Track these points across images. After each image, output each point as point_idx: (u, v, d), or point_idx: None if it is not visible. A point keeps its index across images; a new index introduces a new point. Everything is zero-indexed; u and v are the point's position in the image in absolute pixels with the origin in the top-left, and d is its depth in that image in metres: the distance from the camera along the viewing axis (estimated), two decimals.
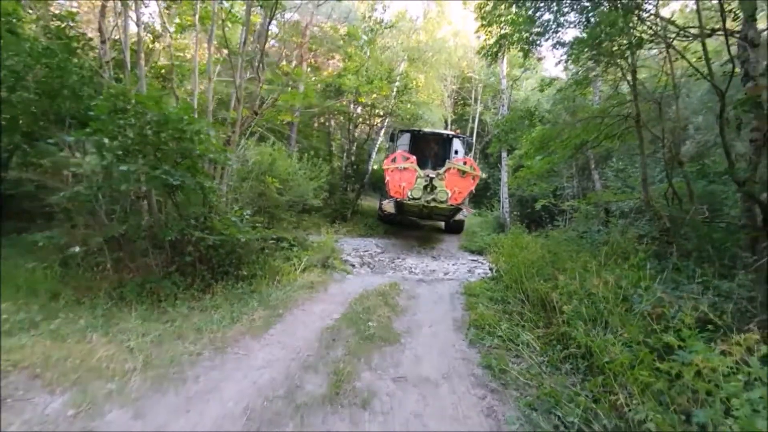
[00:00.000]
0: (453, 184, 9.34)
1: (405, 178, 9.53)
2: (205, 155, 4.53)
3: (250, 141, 7.61)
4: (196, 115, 5.85)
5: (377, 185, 16.17)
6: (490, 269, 8.38)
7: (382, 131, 16.49)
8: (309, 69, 15.77)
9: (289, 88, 7.35)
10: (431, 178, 9.41)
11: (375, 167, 16.57)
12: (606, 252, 4.84)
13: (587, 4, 4.89)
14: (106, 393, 2.59)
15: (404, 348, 3.75)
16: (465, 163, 9.63)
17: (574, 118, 6.55)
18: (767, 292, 2.61)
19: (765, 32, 4.86)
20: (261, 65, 5.77)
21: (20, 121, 5.61)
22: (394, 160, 9.75)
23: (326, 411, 2.55)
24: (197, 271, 4.93)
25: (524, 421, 2.52)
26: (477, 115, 22.44)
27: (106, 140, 3.97)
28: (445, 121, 18.70)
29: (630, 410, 2.07)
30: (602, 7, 4.85)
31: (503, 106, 14.35)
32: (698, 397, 1.85)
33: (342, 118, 15.68)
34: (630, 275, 3.45)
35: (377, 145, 17.20)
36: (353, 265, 8.40)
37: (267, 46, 10.62)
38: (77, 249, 4.53)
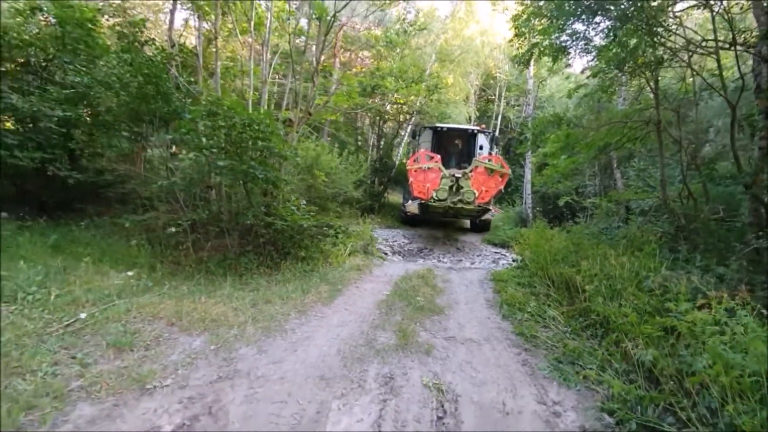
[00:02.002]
0: (480, 184, 9.00)
1: (429, 178, 9.19)
2: (280, 152, 5.33)
3: (299, 137, 8.42)
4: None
5: (398, 179, 16.71)
6: (514, 260, 9.05)
7: (409, 127, 17.15)
8: (340, 65, 16.50)
9: (338, 90, 8.06)
10: (457, 178, 9.09)
11: (402, 161, 17.26)
12: (624, 244, 5.48)
13: (615, 23, 5.43)
14: (231, 336, 3.43)
15: (448, 318, 4.51)
16: (492, 161, 9.35)
17: (599, 121, 7.10)
18: (747, 272, 3.23)
19: None
20: (316, 71, 6.51)
21: (116, 121, 6.54)
22: (417, 160, 9.44)
23: (400, 355, 3.33)
24: (266, 251, 5.77)
25: (552, 369, 3.24)
26: (500, 112, 22.84)
27: (203, 139, 4.79)
28: (469, 118, 19.18)
29: (636, 355, 2.78)
30: (629, 24, 5.40)
31: (529, 105, 14.78)
32: (688, 342, 2.54)
33: (370, 114, 16.40)
34: (643, 261, 4.11)
35: (403, 141, 17.89)
36: (386, 253, 9.18)
37: (300, 42, 11.38)
38: (173, 230, 5.39)
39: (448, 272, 7.47)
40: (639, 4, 5.25)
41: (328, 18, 6.30)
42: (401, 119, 15.41)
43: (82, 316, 3.39)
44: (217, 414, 2.40)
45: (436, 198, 8.95)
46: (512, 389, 2.95)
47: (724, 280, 3.39)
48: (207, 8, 6.81)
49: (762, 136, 5.09)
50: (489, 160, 9.39)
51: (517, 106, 23.46)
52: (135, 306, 3.78)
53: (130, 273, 4.49)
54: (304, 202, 6.55)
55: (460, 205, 8.99)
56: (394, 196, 17.65)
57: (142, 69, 5.40)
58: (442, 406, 2.67)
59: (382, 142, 16.84)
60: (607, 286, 3.97)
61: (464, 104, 18.45)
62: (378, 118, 15.00)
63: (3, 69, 7.08)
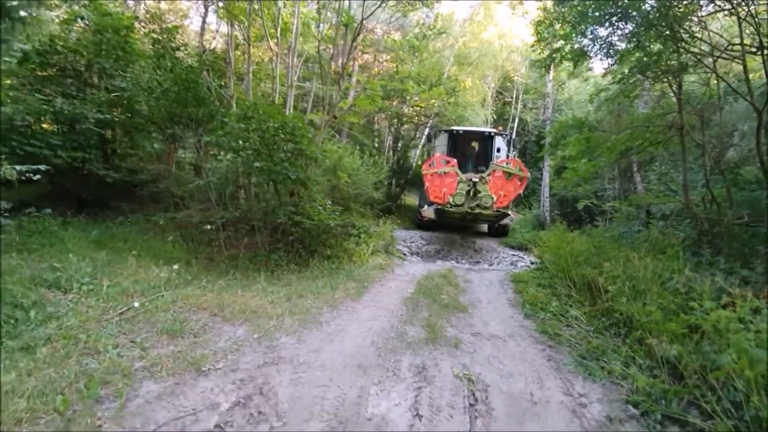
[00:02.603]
0: (498, 188, 8.75)
1: (446, 183, 8.92)
2: (310, 154, 5.57)
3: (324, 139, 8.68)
4: None
5: (414, 181, 16.81)
6: (532, 262, 9.12)
7: (426, 129, 17.30)
8: (359, 68, 16.77)
9: (361, 94, 8.29)
10: (474, 183, 8.83)
11: (418, 164, 17.44)
12: (646, 247, 5.54)
13: (638, 29, 5.51)
14: (271, 327, 3.65)
15: (473, 315, 4.66)
16: (510, 164, 9.11)
17: (620, 125, 7.16)
18: (765, 272, 3.31)
19: None
20: (342, 77, 6.74)
21: (150, 122, 6.90)
22: (432, 164, 9.23)
23: (430, 348, 3.51)
24: (295, 249, 6.01)
25: (577, 364, 3.38)
26: (517, 115, 22.81)
27: (240, 142, 5.06)
28: (486, 121, 19.25)
29: (660, 351, 2.89)
30: (652, 31, 5.48)
31: (548, 108, 14.78)
32: (712, 339, 2.66)
33: (388, 116, 16.61)
34: (666, 263, 4.20)
35: (420, 143, 18.07)
36: (404, 254, 9.35)
37: (324, 48, 11.62)
38: (209, 227, 5.68)
39: (468, 273, 7.60)
40: (663, 11, 5.34)
41: (355, 25, 6.51)
42: (419, 121, 15.57)
43: (136, 305, 3.66)
44: (268, 394, 2.61)
45: (452, 203, 8.75)
46: (539, 381, 3.09)
47: (749, 283, 3.46)
48: (242, 17, 7.10)
49: None
50: (507, 164, 9.22)
51: (534, 108, 23.40)
52: (180, 297, 4.04)
53: (175, 266, 4.76)
54: (329, 202, 6.77)
55: (477, 211, 8.77)
56: (411, 198, 17.84)
57: (181, 75, 5.70)
58: (473, 394, 2.84)
59: (399, 144, 17.02)
60: (630, 286, 4.07)
61: (481, 107, 18.49)
62: (396, 120, 15.18)
63: (46, 74, 7.51)
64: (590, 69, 8.27)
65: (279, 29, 8.29)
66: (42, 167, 4.23)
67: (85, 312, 3.43)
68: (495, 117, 21.47)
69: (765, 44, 5.42)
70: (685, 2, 5.57)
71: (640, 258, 4.48)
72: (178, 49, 8.58)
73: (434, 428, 2.41)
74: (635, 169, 11.35)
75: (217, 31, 8.67)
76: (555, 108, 15.39)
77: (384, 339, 3.63)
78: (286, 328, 3.66)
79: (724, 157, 7.76)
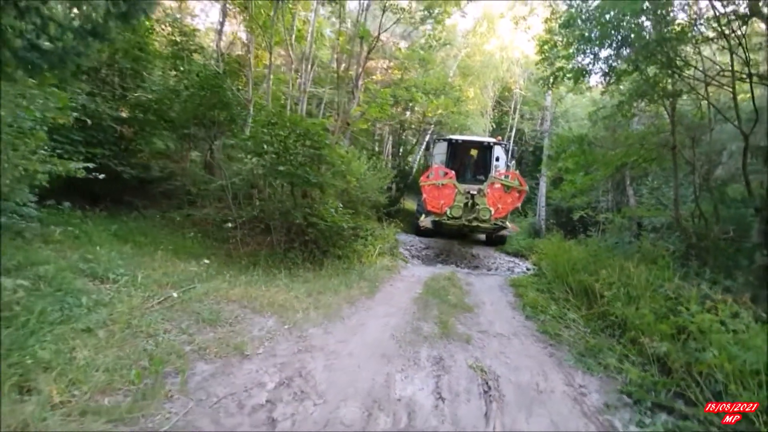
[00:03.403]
0: (496, 200, 8.79)
1: (444, 194, 8.90)
2: (330, 160, 5.91)
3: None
4: None
5: (413, 186, 17.13)
6: (528, 268, 9.52)
7: (428, 136, 17.71)
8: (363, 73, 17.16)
9: (373, 105, 8.66)
10: (472, 195, 8.87)
11: (418, 168, 17.84)
12: (638, 258, 5.95)
13: (636, 54, 5.95)
14: (298, 319, 3.97)
15: (478, 315, 5.02)
16: (509, 177, 9.11)
17: (617, 142, 7.61)
18: (753, 286, 3.71)
19: None
20: (356, 86, 7.10)
21: (170, 122, 7.18)
22: (430, 176, 9.16)
23: (444, 342, 3.85)
24: (309, 248, 6.33)
25: (576, 360, 3.74)
26: (515, 125, 23.37)
27: (264, 146, 5.38)
28: (486, 130, 19.74)
29: (651, 349, 3.27)
30: (650, 57, 5.92)
31: (546, 121, 15.26)
32: (696, 339, 3.04)
33: (389, 121, 17.01)
34: (657, 273, 4.60)
35: (421, 149, 18.49)
36: (406, 257, 9.70)
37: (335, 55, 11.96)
38: (229, 225, 5.97)
39: (468, 277, 7.97)
40: (660, 39, 5.78)
41: (371, 39, 6.87)
42: (421, 128, 15.98)
43: (174, 295, 3.96)
44: (306, 377, 2.93)
45: (450, 215, 8.81)
46: (543, 374, 3.45)
47: (731, 291, 3.86)
48: (266, 24, 7.41)
49: None
50: (506, 176, 9.29)
51: (532, 119, 23.99)
52: (210, 290, 4.34)
53: (206, 261, 5.05)
54: (340, 205, 7.10)
55: (475, 223, 8.88)
56: (409, 203, 18.22)
57: (209, 80, 6.01)
58: (486, 383, 3.19)
59: (400, 149, 17.40)
60: (624, 292, 4.46)
61: (482, 116, 18.98)
62: (399, 126, 15.58)
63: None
64: (589, 88, 8.67)
65: (293, 36, 8.63)
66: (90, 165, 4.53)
67: (127, 300, 3.71)
68: (494, 126, 21.97)
69: (752, 72, 5.91)
70: (678, 28, 6.05)
71: (634, 267, 4.88)
72: (195, 52, 8.86)
73: (455, 409, 2.75)
74: (628, 182, 11.84)
75: (234, 35, 8.95)
76: (553, 120, 15.87)
77: (402, 333, 3.97)
78: (312, 320, 3.99)
79: (713, 175, 8.25)
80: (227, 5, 8.77)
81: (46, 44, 2.21)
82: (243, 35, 8.62)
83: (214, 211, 6.85)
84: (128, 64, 7.67)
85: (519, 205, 9.37)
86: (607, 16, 6.24)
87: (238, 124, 6.66)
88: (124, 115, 7.81)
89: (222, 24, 8.84)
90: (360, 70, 7.33)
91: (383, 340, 3.78)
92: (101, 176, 4.80)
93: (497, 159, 12.08)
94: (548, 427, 2.68)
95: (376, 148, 19.34)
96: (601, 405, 2.98)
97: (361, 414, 2.56)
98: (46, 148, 4.44)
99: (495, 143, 12.34)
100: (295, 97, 8.80)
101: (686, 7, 6.09)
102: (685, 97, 7.05)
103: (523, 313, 5.36)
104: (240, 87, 8.09)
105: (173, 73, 7.57)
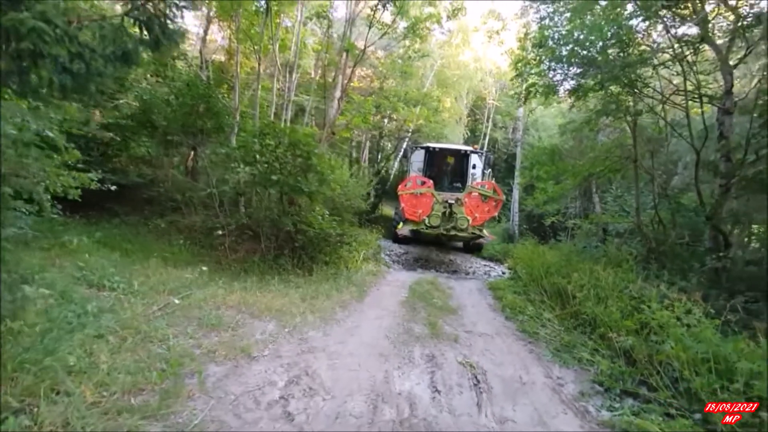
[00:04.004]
0: (474, 210, 8.97)
1: (421, 203, 9.02)
2: (321, 170, 6.13)
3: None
4: None
5: (391, 192, 17.44)
6: (503, 272, 10.00)
7: (405, 144, 18.13)
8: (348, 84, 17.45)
9: (356, 115, 8.93)
10: (450, 205, 9.04)
11: (396, 174, 18.23)
12: (604, 261, 6.48)
13: (603, 75, 6.53)
14: (297, 323, 4.18)
15: (462, 317, 5.36)
16: (486, 186, 9.22)
17: (584, 154, 8.22)
18: (704, 287, 4.23)
19: (738, 101, 6.54)
20: (341, 98, 7.36)
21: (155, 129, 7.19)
22: (408, 185, 9.25)
23: (434, 341, 4.15)
24: (298, 255, 6.51)
25: (553, 355, 4.13)
26: (488, 133, 24.21)
27: (258, 156, 5.55)
28: (463, 138, 20.39)
29: (618, 343, 3.70)
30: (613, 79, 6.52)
31: (518, 130, 15.98)
32: (657, 333, 3.48)
33: (367, 129, 17.34)
34: (622, 275, 5.09)
35: (398, 157, 18.90)
36: (388, 262, 9.99)
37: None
38: (220, 232, 6.08)
39: (448, 281, 8.33)
40: (622, 61, 6.37)
41: (357, 53, 7.17)
42: (399, 135, 16.38)
43: (176, 301, 4.07)
44: (312, 375, 3.15)
45: (428, 224, 8.96)
46: (525, 368, 3.81)
47: (686, 291, 4.36)
48: (251, 34, 7.56)
49: (722, 176, 6.21)
50: (483, 186, 9.46)
51: (504, 127, 24.93)
52: (208, 296, 4.47)
53: (204, 268, 5.15)
54: (327, 212, 7.31)
55: (453, 232, 9.06)
56: (387, 209, 18.57)
57: (199, 90, 6.13)
58: (476, 377, 3.50)
59: (379, 156, 17.73)
60: (594, 293, 4.92)
61: (457, 124, 19.61)
62: (378, 134, 15.93)
63: None
64: (559, 102, 9.27)
65: (277, 45, 8.80)
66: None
67: (128, 307, 3.81)
68: (469, 133, 22.69)
69: (703, 93, 6.60)
70: (638, 53, 6.68)
71: (602, 270, 5.36)
72: (177, 58, 8.88)
73: (451, 400, 3.05)
74: (594, 190, 12.64)
75: (217, 43, 9.04)
76: (525, 130, 16.65)
77: (395, 334, 4.25)
78: (310, 324, 4.20)
79: (670, 184, 9.02)
80: (211, 14, 8.84)
81: (76, 67, 2.38)
82: (225, 42, 8.71)
83: (201, 218, 6.90)
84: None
85: (496, 214, 9.65)
86: (577, 39, 6.83)
87: (225, 132, 6.76)
88: (103, 120, 7.74)
89: (206, 32, 8.90)
90: (345, 81, 7.58)
91: (378, 340, 4.04)
92: (113, 188, 4.91)
93: (474, 166, 12.37)
94: (532, 414, 3.02)
95: (354, 154, 19.67)
96: (576, 393, 3.36)
97: (367, 407, 2.81)
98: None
99: (472, 151, 12.61)
100: (278, 105, 8.96)
101: (645, 35, 6.69)
102: (646, 118, 7.74)
103: (502, 314, 5.74)
104: (224, 94, 8.18)
105: (155, 79, 7.57)
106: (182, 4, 2.59)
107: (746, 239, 7.27)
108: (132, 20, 2.42)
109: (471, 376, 3.50)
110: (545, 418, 2.94)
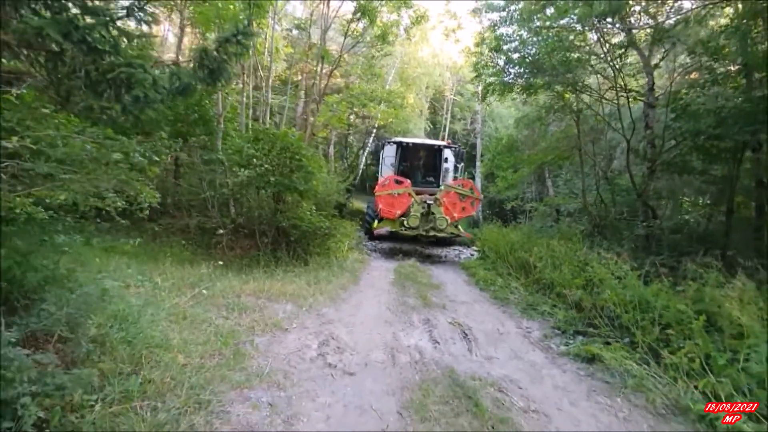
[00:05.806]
0: (452, 210, 8.89)
1: (398, 204, 8.84)
2: (312, 170, 6.77)
3: None
4: None
5: (358, 187, 17.94)
6: (472, 254, 11.07)
7: (371, 139, 18.86)
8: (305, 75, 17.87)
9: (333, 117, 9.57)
10: (428, 205, 8.95)
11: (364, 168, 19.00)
12: (558, 237, 7.64)
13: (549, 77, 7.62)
14: (310, 302, 4.89)
15: (445, 291, 6.27)
16: (462, 185, 9.15)
17: (537, 145, 9.38)
18: (633, 250, 5.40)
19: (659, 96, 7.83)
20: (319, 101, 8.00)
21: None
22: (385, 185, 8.98)
23: (426, 309, 5.02)
24: (293, 248, 7.14)
25: (521, 312, 5.12)
26: (447, 125, 25.43)
27: (255, 160, 6.12)
28: (426, 131, 21.40)
29: (570, 297, 4.73)
30: (558, 78, 7.63)
31: (478, 123, 17.15)
32: (598, 286, 4.54)
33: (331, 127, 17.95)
34: (572, 246, 6.20)
35: (365, 152, 19.64)
36: (368, 252, 10.77)
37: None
38: (221, 231, 6.59)
39: (425, 265, 9.21)
40: (565, 68, 7.49)
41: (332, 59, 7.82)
42: (365, 131, 17.11)
43: (204, 292, 4.66)
44: (337, 339, 3.91)
45: (408, 226, 8.88)
46: (500, 323, 4.77)
47: (620, 255, 5.49)
48: None
49: (648, 160, 7.46)
50: (460, 185, 9.34)
51: (462, 120, 26.26)
52: (227, 286, 5.07)
53: (220, 262, 5.70)
54: (314, 207, 7.96)
55: (432, 233, 9.03)
56: (357, 203, 19.31)
57: (196, 100, 6.56)
58: (464, 332, 4.40)
59: (346, 152, 18.37)
60: (551, 262, 5.98)
61: (419, 118, 20.58)
62: (347, 131, 16.56)
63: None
64: (514, 99, 10.35)
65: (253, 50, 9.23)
66: None
67: (164, 298, 4.37)
68: (431, 126, 23.75)
69: (630, 90, 7.85)
70: (576, 58, 7.83)
71: (557, 243, 6.44)
72: (155, 62, 9.09)
73: (448, 348, 3.92)
74: (547, 176, 14.05)
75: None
76: (483, 121, 17.86)
77: (393, 306, 5.07)
78: (322, 303, 4.93)
79: (610, 167, 10.40)
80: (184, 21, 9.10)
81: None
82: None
83: (195, 220, 7.34)
84: None
85: (473, 213, 9.76)
86: (525, 43, 7.90)
87: (214, 137, 7.21)
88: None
89: (181, 37, 9.13)
90: (322, 85, 8.21)
91: (381, 311, 4.85)
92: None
93: (446, 160, 12.17)
94: (509, 352, 3.95)
95: (322, 152, 20.23)
96: (541, 336, 4.34)
97: (386, 356, 3.62)
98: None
99: (445, 146, 12.38)
100: (255, 108, 9.40)
101: (582, 43, 7.83)
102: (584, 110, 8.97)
103: (477, 287, 6.73)
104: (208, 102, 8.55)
105: None
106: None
107: (678, 213, 8.68)
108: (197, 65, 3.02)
109: (460, 332, 4.39)
110: (520, 354, 3.89)
